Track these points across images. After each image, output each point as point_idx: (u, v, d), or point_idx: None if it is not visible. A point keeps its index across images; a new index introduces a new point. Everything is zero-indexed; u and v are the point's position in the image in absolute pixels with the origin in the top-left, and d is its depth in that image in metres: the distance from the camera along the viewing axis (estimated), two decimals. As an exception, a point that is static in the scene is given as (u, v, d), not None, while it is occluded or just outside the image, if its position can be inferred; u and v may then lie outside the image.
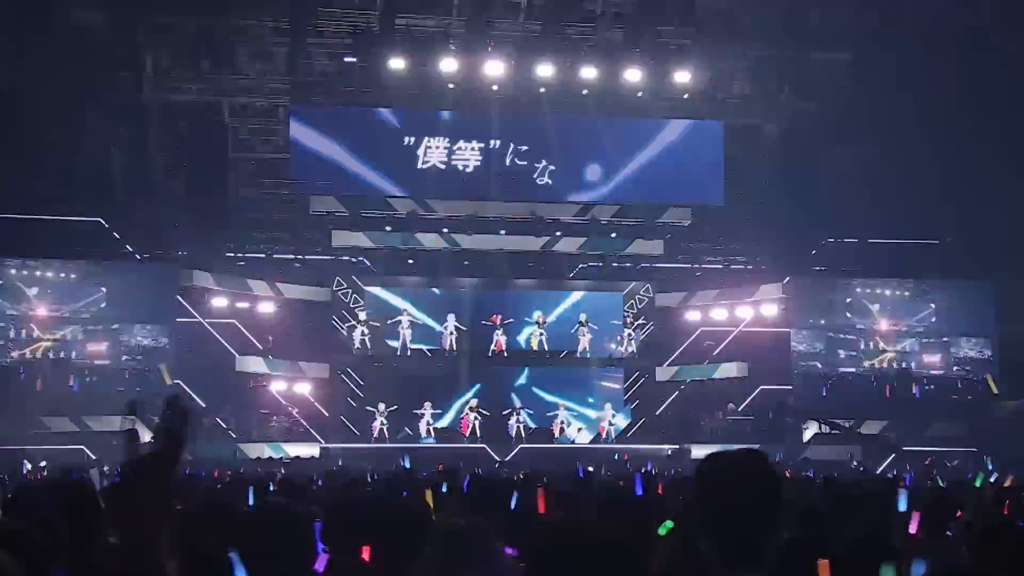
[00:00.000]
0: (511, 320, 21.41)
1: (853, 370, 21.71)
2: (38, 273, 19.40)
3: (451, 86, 20.36)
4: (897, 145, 19.76)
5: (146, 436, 1.52)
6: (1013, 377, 20.11)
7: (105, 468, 15.03)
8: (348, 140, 20.48)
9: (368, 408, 20.80)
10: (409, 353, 21.19)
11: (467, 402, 20.99)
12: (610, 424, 21.21)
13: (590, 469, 11.60)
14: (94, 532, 2.76)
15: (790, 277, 20.94)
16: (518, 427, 20.78)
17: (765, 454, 1.96)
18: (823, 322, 21.47)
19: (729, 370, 21.05)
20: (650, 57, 20.54)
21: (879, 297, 21.73)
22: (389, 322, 21.28)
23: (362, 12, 20.17)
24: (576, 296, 21.86)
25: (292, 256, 21.88)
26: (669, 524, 3.08)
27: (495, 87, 20.64)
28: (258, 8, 19.95)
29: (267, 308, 21.01)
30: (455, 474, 6.46)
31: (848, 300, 21.61)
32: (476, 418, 20.72)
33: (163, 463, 1.40)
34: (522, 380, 21.36)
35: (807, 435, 20.60)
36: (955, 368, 21.25)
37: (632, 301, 21.87)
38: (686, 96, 21.32)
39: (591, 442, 20.89)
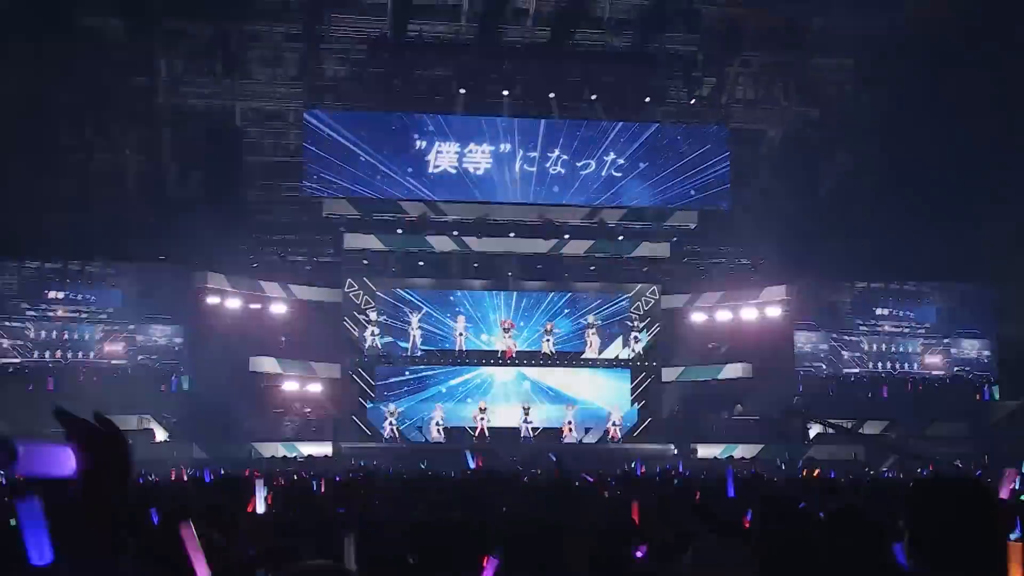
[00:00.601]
0: (521, 323, 21.54)
1: (858, 371, 21.82)
2: (57, 277, 19.46)
3: (462, 91, 20.51)
4: (898, 149, 19.89)
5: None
6: (1012, 378, 20.28)
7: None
8: (360, 144, 20.60)
9: (380, 407, 20.93)
10: (420, 354, 21.30)
11: (477, 403, 21.11)
12: (615, 424, 21.33)
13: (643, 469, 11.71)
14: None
15: (794, 279, 21.07)
16: (527, 427, 20.91)
17: (983, 485, 1.91)
18: (828, 324, 21.59)
19: (734, 371, 21.19)
20: (656, 63, 20.73)
21: (881, 299, 21.87)
22: (400, 323, 21.39)
23: (374, 19, 20.31)
24: (584, 298, 21.97)
25: (304, 258, 21.95)
26: None
27: (505, 92, 20.81)
28: (271, 15, 20.09)
29: (280, 309, 21.13)
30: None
31: (851, 302, 21.73)
32: (485, 419, 20.85)
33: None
34: (531, 381, 21.49)
35: (812, 435, 20.75)
36: (955, 369, 21.39)
37: (639, 303, 22.04)
38: (692, 102, 21.48)
39: (598, 442, 21.02)
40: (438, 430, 20.87)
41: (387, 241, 21.44)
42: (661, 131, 21.47)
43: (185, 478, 10.92)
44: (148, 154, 20.65)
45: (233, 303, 20.59)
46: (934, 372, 21.47)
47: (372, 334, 21.29)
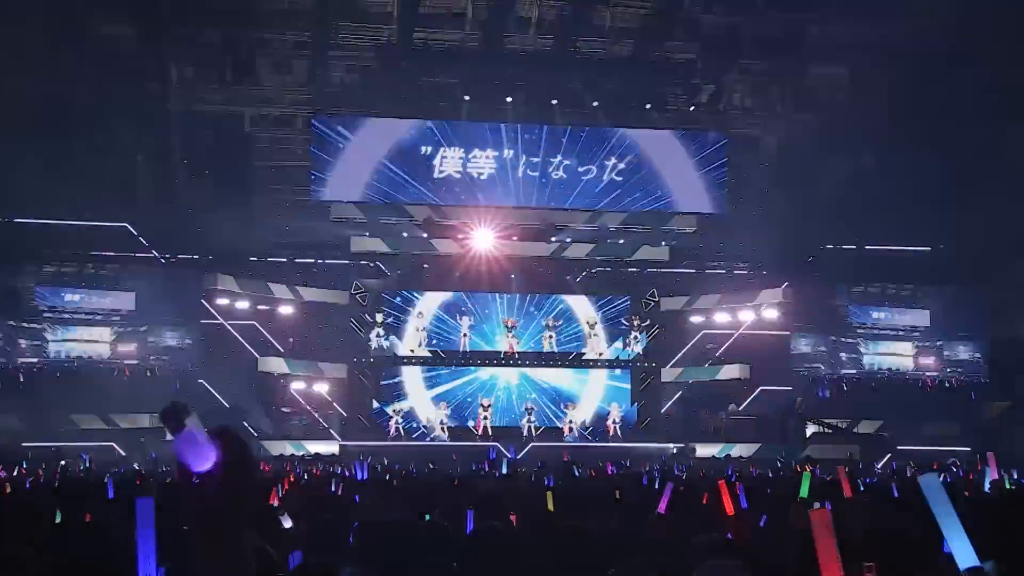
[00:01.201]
0: (523, 322, 21.79)
1: (854, 371, 22.10)
2: (72, 279, 19.75)
3: (467, 97, 20.75)
4: (892, 155, 20.14)
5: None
6: (1003, 379, 20.54)
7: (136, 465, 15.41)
8: (367, 149, 20.86)
9: (385, 407, 21.19)
10: (428, 353, 21.55)
11: (480, 402, 21.36)
12: (615, 423, 21.59)
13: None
14: None
15: (790, 282, 21.34)
16: (529, 426, 21.17)
17: None
18: (824, 326, 21.85)
19: (731, 371, 21.45)
20: (656, 71, 20.97)
21: (876, 302, 22.14)
22: (405, 324, 21.64)
23: (380, 26, 20.54)
24: (585, 300, 22.23)
25: (312, 260, 22.19)
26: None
27: (508, 98, 21.05)
28: (280, 22, 20.28)
29: (288, 310, 21.38)
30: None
31: (847, 305, 22.00)
32: (488, 417, 21.10)
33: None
34: (533, 380, 21.74)
35: (808, 435, 21.00)
36: (948, 370, 21.66)
37: (639, 305, 22.27)
38: (691, 108, 21.72)
39: (599, 440, 21.26)
40: (442, 428, 21.13)
41: (393, 244, 21.68)
42: (661, 137, 21.73)
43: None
44: (160, 159, 20.87)
45: (242, 304, 20.84)
46: (927, 373, 21.74)
47: (378, 335, 21.54)
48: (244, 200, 21.05)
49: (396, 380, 21.56)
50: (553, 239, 21.94)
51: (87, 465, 13.69)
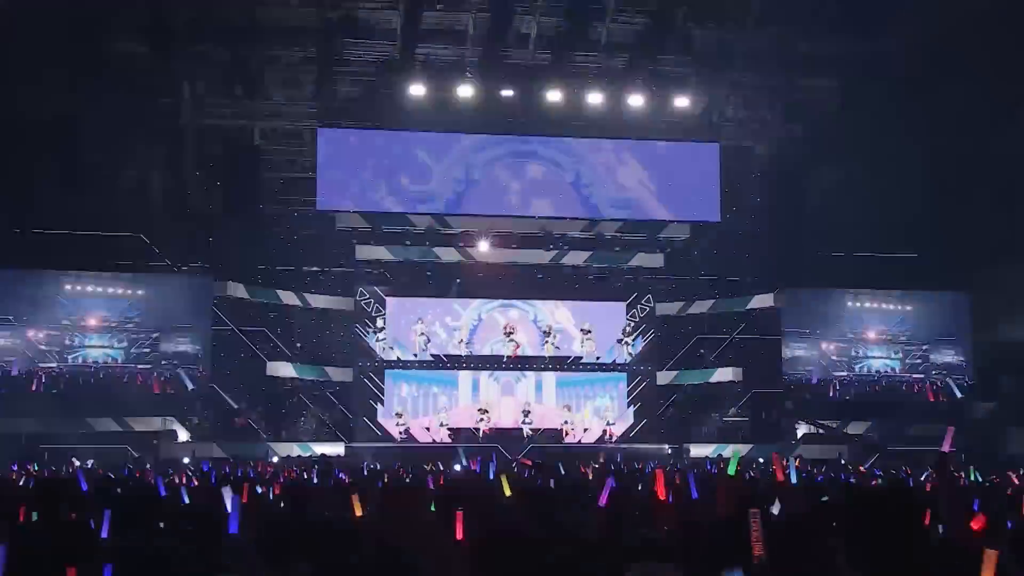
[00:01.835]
0: (522, 328, 22.22)
1: (845, 374, 22.47)
2: (89, 287, 20.27)
3: (467, 110, 21.22)
4: (880, 165, 20.51)
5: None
6: (986, 381, 20.89)
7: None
8: (371, 161, 21.37)
9: (389, 410, 21.62)
10: (430, 358, 21.98)
11: (480, 405, 21.79)
12: (611, 425, 22.00)
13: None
14: None
15: (781, 288, 21.72)
16: (527, 428, 21.58)
17: (909, 488, 2.09)
18: (817, 331, 22.24)
19: (724, 374, 21.84)
20: (651, 84, 21.44)
21: (864, 306, 22.53)
22: (408, 330, 22.09)
23: (384, 43, 21.05)
24: (583, 305, 22.66)
25: (318, 268, 22.66)
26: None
27: (508, 112, 21.51)
28: (287, 39, 20.80)
29: (295, 317, 21.83)
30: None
31: (836, 309, 22.39)
32: (487, 420, 21.52)
33: None
34: (532, 384, 22.15)
35: (799, 435, 21.37)
36: (933, 373, 22.04)
37: (634, 310, 22.72)
38: (684, 120, 22.14)
39: (596, 441, 21.66)
40: (444, 431, 21.55)
41: (396, 252, 22.15)
42: (655, 147, 22.18)
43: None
44: (172, 171, 21.37)
45: (251, 311, 21.30)
46: (914, 376, 22.11)
47: (382, 340, 21.98)
48: (253, 210, 21.53)
49: (399, 384, 21.98)
50: (551, 247, 22.39)
51: (77, 466, 13.99)
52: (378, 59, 21.19)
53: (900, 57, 19.99)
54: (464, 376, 22.09)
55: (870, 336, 22.37)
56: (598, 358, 22.43)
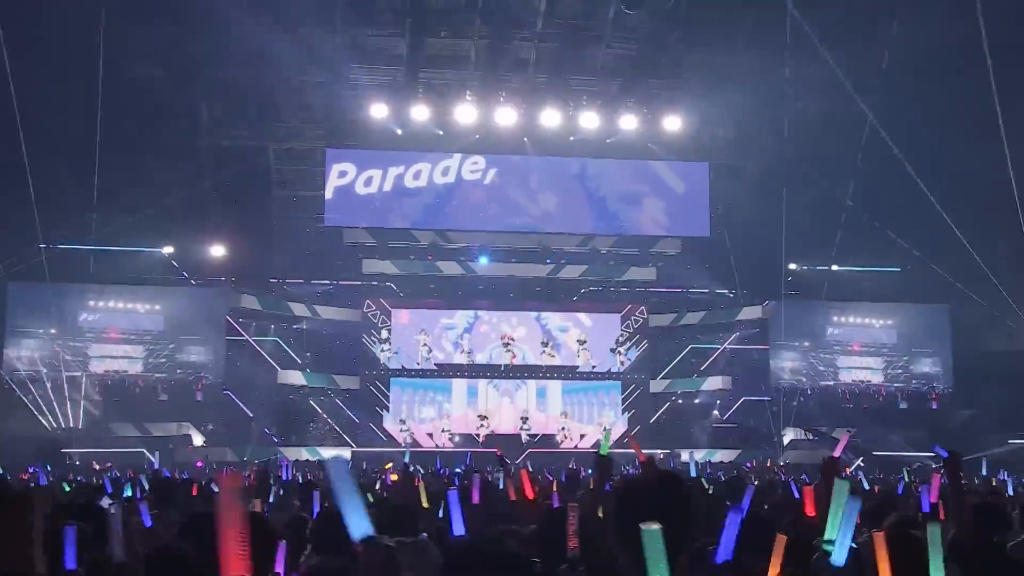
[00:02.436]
0: (520, 338, 22.90)
1: (832, 383, 22.99)
2: (111, 300, 21.09)
3: (467, 131, 21.96)
4: (862, 183, 21.06)
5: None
6: (964, 389, 21.40)
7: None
8: (377, 179, 22.13)
9: (394, 416, 22.32)
10: (433, 367, 22.67)
11: (480, 411, 22.45)
12: (607, 430, 22.56)
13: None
14: None
15: (769, 300, 22.30)
16: (525, 434, 22.21)
17: (679, 477, 2.14)
18: (801, 341, 22.79)
19: (715, 383, 22.44)
20: (644, 105, 22.11)
21: (848, 319, 23.08)
22: (412, 340, 22.80)
23: (390, 67, 21.83)
24: (579, 317, 23.32)
25: (327, 281, 23.38)
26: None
27: (506, 132, 22.21)
28: (298, 65, 21.55)
29: (305, 327, 22.59)
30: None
31: (821, 321, 22.95)
32: (487, 426, 22.17)
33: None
34: (530, 391, 22.80)
35: (786, 440, 21.93)
36: (913, 381, 22.56)
37: (628, 321, 23.36)
38: (676, 139, 22.81)
39: (592, 447, 22.23)
40: (447, 437, 22.21)
41: (401, 266, 22.90)
42: (648, 166, 22.87)
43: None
44: (191, 189, 22.13)
45: (263, 323, 22.08)
46: (896, 384, 22.65)
47: (387, 350, 22.69)
48: (266, 226, 22.30)
49: (403, 391, 22.67)
50: (548, 261, 23.08)
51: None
52: (383, 83, 21.95)
53: (879, 79, 20.55)
54: (465, 384, 22.74)
55: (854, 347, 22.92)
56: (593, 367, 23.06)
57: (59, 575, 2.05)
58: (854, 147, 20.90)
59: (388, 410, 22.52)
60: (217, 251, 21.98)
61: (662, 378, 23.25)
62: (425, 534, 3.56)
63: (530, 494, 3.70)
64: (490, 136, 21.91)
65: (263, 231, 22.06)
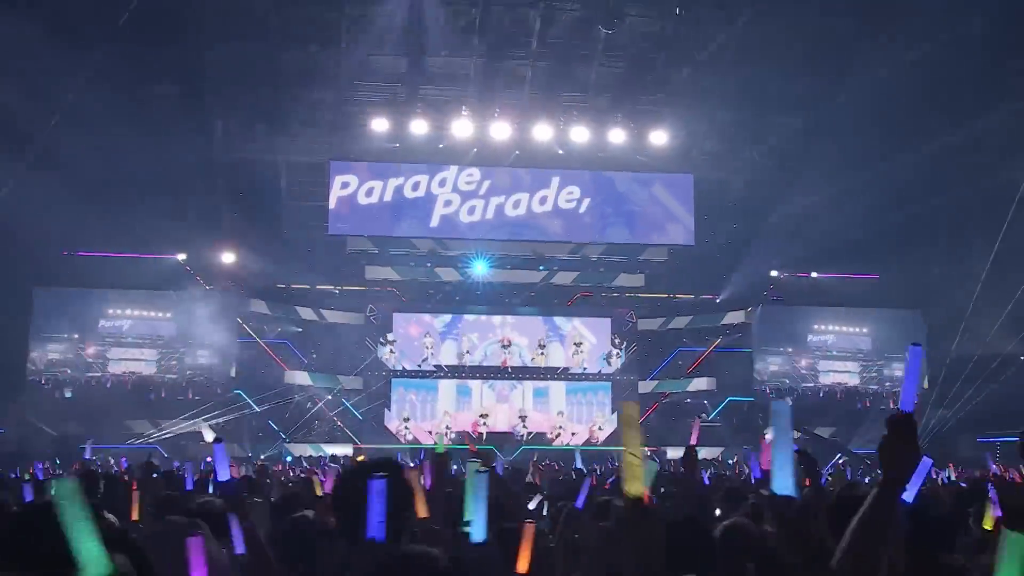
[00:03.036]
0: (516, 341, 23.67)
1: (813, 385, 23.64)
2: (129, 305, 21.99)
3: (465, 145, 22.79)
4: (841, 194, 21.69)
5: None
6: (940, 391, 21.94)
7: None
8: (378, 190, 22.98)
9: (396, 415, 23.12)
10: (433, 367, 23.45)
11: (479, 410, 23.22)
12: (599, 429, 23.36)
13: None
14: None
15: (751, 306, 22.98)
16: (522, 432, 22.96)
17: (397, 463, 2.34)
18: (783, 345, 23.44)
19: (700, 384, 23.13)
20: (632, 120, 22.86)
21: (827, 324, 23.73)
22: (413, 342, 23.60)
23: (392, 84, 22.69)
24: (571, 321, 24.07)
25: (332, 287, 24.19)
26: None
27: (501, 146, 23.02)
28: (307, 83, 22.45)
29: (311, 331, 23.41)
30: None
31: (802, 326, 23.61)
32: (485, 424, 22.93)
33: None
34: (525, 391, 23.55)
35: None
36: (887, 384, 23.18)
37: (618, 325, 24.04)
38: (662, 152, 23.56)
39: (583, 444, 22.95)
40: (447, 434, 22.96)
41: (402, 272, 23.72)
42: (636, 178, 23.64)
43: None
44: (204, 200, 22.99)
45: (272, 326, 22.92)
46: (871, 387, 23.28)
47: (390, 352, 23.50)
48: (275, 235, 23.14)
49: (404, 391, 23.46)
50: (541, 268, 23.85)
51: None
52: (385, 99, 22.80)
53: (859, 94, 21.14)
54: (465, 384, 23.52)
55: (832, 351, 23.57)
56: (585, 368, 23.79)
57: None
58: (833, 160, 21.53)
59: (390, 409, 23.31)
60: (228, 258, 22.80)
61: (650, 379, 23.95)
62: None
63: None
64: (485, 149, 22.69)
65: (272, 239, 22.85)
